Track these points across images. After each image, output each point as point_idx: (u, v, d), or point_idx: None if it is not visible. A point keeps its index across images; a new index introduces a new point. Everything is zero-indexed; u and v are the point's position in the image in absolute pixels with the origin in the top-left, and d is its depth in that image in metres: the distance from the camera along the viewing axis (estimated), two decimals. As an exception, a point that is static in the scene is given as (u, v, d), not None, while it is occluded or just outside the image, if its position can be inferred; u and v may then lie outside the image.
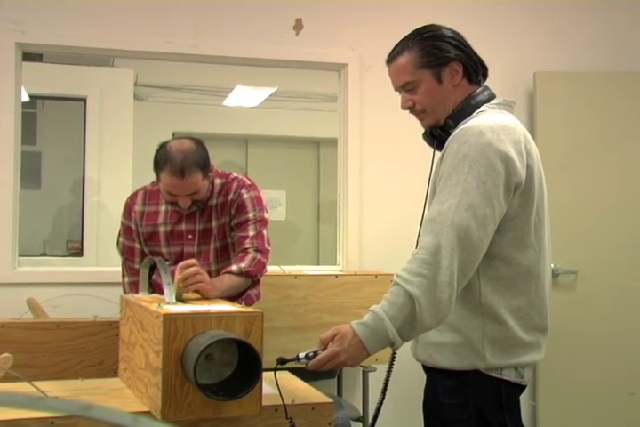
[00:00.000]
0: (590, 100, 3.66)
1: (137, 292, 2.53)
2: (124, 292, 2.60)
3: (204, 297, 1.98)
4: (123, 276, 2.66)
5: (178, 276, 1.94)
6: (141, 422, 0.41)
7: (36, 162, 5.32)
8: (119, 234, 2.64)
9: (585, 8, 3.82)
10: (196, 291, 1.98)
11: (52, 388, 1.63)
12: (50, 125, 5.43)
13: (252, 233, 2.43)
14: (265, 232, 2.47)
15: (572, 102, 3.66)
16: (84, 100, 5.02)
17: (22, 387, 1.56)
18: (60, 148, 5.45)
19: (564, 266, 3.54)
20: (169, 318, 1.47)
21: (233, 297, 2.34)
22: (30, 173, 4.67)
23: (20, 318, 2.47)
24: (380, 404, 1.76)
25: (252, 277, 2.38)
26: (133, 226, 2.57)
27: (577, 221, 3.59)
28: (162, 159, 2.33)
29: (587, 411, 3.55)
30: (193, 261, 2.04)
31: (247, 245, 2.41)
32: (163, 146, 2.38)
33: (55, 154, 5.44)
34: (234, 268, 2.33)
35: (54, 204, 5.29)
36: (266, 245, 2.45)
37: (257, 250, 2.41)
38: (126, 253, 2.61)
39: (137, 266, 2.57)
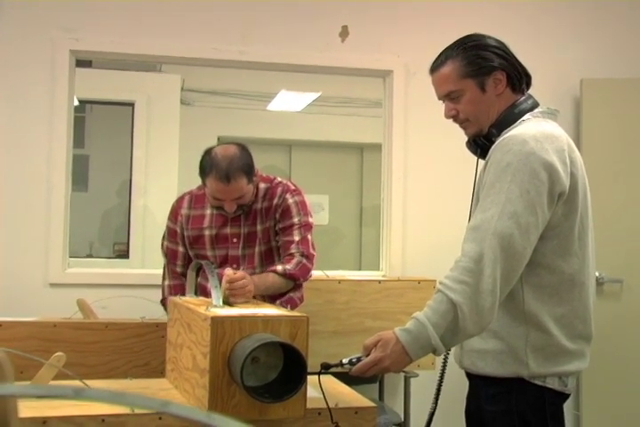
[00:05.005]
0: (637, 107, 3.61)
1: (176, 295, 2.58)
2: (163, 295, 2.64)
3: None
4: (163, 278, 2.69)
5: (225, 280, 1.98)
6: (215, 418, 0.45)
7: (84, 165, 5.44)
8: (163, 237, 2.68)
9: (632, 14, 3.78)
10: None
11: (102, 386, 1.67)
12: (98, 129, 5.55)
13: (297, 238, 2.47)
14: (310, 237, 2.51)
15: (619, 109, 3.62)
16: (131, 104, 5.12)
17: (75, 385, 1.61)
18: (107, 151, 5.56)
19: (609, 275, 3.50)
20: (217, 321, 1.51)
21: (274, 296, 2.39)
22: (78, 175, 4.78)
23: (71, 318, 2.54)
24: (434, 411, 1.78)
25: (295, 280, 2.42)
26: (178, 229, 2.61)
27: (623, 229, 3.54)
28: (207, 165, 2.37)
29: (631, 422, 3.50)
30: (241, 273, 2.08)
31: (293, 250, 2.45)
32: (208, 152, 2.42)
33: (102, 157, 5.55)
34: (279, 268, 2.37)
35: (101, 206, 5.40)
36: (311, 250, 2.49)
37: (302, 255, 2.45)
38: (169, 255, 2.64)
39: (179, 269, 2.61)
